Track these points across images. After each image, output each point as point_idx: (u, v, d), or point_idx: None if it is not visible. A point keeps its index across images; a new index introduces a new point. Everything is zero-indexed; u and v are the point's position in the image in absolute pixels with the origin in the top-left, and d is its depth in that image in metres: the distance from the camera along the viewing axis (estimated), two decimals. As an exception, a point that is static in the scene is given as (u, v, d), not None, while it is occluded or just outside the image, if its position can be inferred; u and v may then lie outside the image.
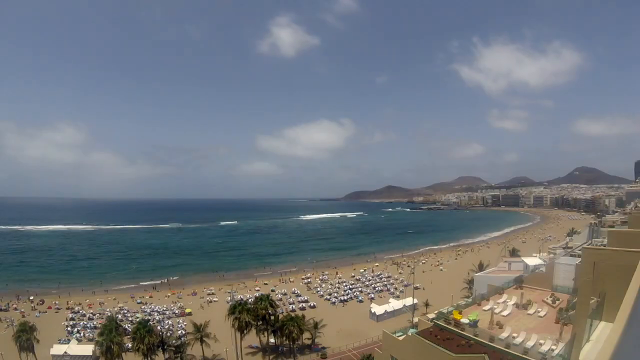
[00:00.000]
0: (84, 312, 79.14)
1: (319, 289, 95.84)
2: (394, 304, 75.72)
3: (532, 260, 55.12)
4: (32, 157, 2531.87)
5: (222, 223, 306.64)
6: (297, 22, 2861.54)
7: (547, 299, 32.11)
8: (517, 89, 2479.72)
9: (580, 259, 28.23)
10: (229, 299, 76.05)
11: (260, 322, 57.08)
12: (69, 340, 61.64)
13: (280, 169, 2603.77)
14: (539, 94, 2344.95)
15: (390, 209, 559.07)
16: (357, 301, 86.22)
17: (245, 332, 54.77)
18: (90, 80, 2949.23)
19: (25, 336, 51.45)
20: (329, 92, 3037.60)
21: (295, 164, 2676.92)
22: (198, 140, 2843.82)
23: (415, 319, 44.28)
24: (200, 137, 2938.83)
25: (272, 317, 58.11)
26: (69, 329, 69.11)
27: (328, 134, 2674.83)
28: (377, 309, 73.69)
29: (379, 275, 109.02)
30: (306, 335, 60.38)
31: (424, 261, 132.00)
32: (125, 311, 78.32)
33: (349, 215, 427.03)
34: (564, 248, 60.20)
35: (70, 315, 76.50)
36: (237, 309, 54.55)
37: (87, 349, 56.27)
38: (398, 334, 29.94)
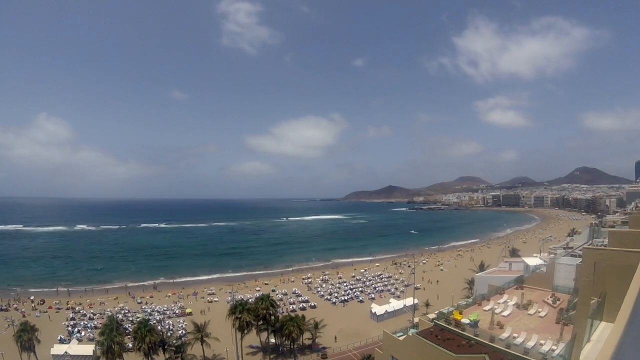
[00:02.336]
0: (85, 312, 79.23)
1: (319, 289, 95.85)
2: (395, 304, 75.68)
3: (533, 261, 55.07)
4: (23, 157, 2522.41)
5: (220, 223, 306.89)
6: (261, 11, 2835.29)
7: (548, 299, 32.11)
8: (515, 80, 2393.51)
9: (580, 259, 28.22)
10: (230, 299, 76.07)
11: (261, 322, 57.14)
12: (70, 340, 61.70)
13: (274, 168, 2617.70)
14: (541, 85, 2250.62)
15: (390, 209, 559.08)
16: (358, 301, 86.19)
17: (245, 332, 54.84)
18: (76, 79, 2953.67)
19: (27, 336, 51.50)
20: (312, 84, 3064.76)
21: (289, 163, 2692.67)
22: (188, 140, 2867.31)
23: (416, 319, 44.25)
24: (189, 137, 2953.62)
25: (273, 317, 58.12)
26: (69, 328, 69.13)
27: (319, 131, 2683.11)
28: (378, 309, 73.68)
29: (379, 276, 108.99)
30: (306, 335, 60.40)
31: (424, 261, 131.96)
32: (126, 311, 78.40)
33: (350, 215, 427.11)
34: (564, 248, 59.97)
35: (71, 315, 76.58)
36: (238, 309, 54.60)
37: (88, 349, 56.29)
38: (398, 334, 29.96)
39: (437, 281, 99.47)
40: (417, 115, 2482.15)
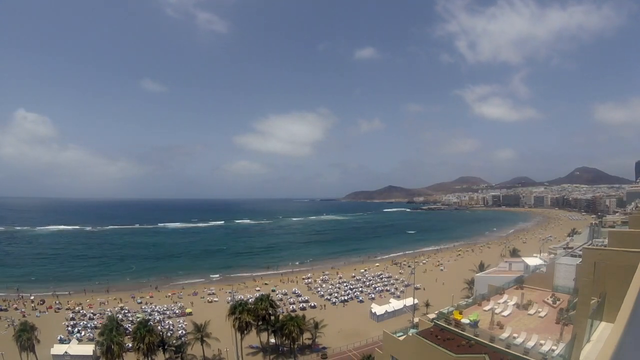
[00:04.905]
0: (85, 312, 79.24)
1: (319, 289, 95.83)
2: (395, 304, 75.70)
3: (533, 261, 55.09)
4: (12, 156, 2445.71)
5: (219, 223, 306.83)
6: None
7: (548, 299, 32.11)
8: (512, 67, 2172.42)
9: (580, 259, 28.20)
10: (230, 299, 76.05)
11: (261, 322, 57.16)
12: (70, 340, 61.70)
13: (267, 167, 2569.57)
14: (544, 72, 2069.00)
15: (390, 209, 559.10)
16: (358, 301, 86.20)
17: (245, 332, 54.84)
18: (53, 75, 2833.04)
19: (26, 335, 51.48)
20: (285, 76, 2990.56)
21: (281, 162, 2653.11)
22: (176, 139, 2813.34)
23: (416, 319, 44.27)
24: (177, 135, 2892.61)
25: (273, 317, 58.17)
26: (69, 328, 69.15)
27: (307, 126, 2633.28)
28: (378, 309, 73.70)
29: (379, 276, 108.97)
30: (306, 335, 60.42)
31: (424, 261, 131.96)
32: (126, 311, 78.42)
33: (350, 215, 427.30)
34: (564, 248, 60.03)
35: (71, 315, 76.58)
36: (238, 309, 54.60)
37: (88, 349, 56.29)
38: (398, 334, 29.96)
39: (444, 283, 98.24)
40: (408, 107, 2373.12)
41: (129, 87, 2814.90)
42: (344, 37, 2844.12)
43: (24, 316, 72.83)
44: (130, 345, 53.85)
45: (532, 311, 30.03)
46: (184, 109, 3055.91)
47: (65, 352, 55.43)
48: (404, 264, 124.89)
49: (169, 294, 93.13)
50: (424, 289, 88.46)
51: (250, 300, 68.56)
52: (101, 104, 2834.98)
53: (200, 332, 54.28)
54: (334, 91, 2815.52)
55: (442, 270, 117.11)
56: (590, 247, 33.68)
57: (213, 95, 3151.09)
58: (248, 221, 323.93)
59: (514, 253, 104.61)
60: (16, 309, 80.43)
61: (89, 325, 70.85)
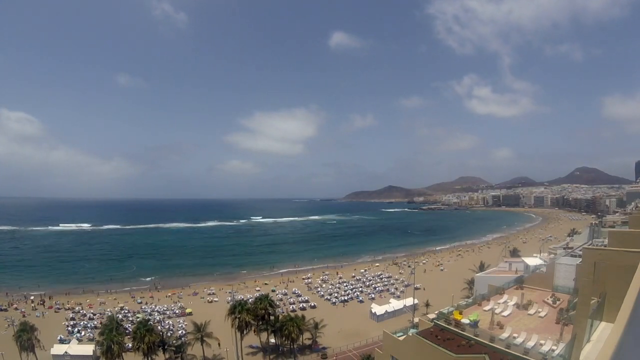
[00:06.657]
0: (85, 312, 79.23)
1: (319, 289, 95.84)
2: (395, 304, 75.70)
3: (533, 261, 55.04)
4: (4, 156, 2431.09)
5: (218, 223, 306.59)
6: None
7: (548, 299, 32.12)
8: (516, 55, 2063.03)
9: (580, 259, 28.18)
10: (229, 299, 76.00)
11: (261, 322, 57.16)
12: (70, 340, 61.70)
13: (261, 166, 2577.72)
14: (547, 62, 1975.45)
15: (390, 209, 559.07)
16: (358, 301, 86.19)
17: (245, 332, 54.85)
18: (35, 73, 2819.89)
19: (26, 336, 51.49)
20: (276, 73, 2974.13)
21: (274, 161, 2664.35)
22: (167, 138, 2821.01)
23: (416, 319, 44.28)
24: (171, 136, 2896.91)
25: (272, 317, 58.16)
26: (69, 328, 69.16)
27: (298, 122, 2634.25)
28: (378, 309, 73.70)
29: (379, 276, 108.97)
30: (306, 335, 60.40)
31: (424, 261, 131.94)
32: (126, 311, 78.39)
33: (350, 215, 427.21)
34: (564, 248, 59.92)
35: (71, 315, 76.59)
36: (237, 309, 54.62)
37: (88, 349, 56.27)
38: (398, 334, 29.95)
39: (432, 282, 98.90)
40: (402, 102, 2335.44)
41: (110, 85, 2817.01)
42: (321, 28, 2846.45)
43: (24, 316, 72.81)
44: (130, 345, 53.87)
45: (532, 311, 30.03)
46: (174, 108, 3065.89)
47: (65, 352, 55.41)
48: (404, 264, 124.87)
49: (169, 294, 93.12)
50: (424, 289, 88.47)
51: (250, 300, 68.57)
52: (90, 103, 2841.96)
53: (200, 332, 54.21)
54: (320, 85, 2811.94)
55: (442, 270, 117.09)
56: (590, 247, 33.67)
57: (198, 95, 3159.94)
58: (248, 221, 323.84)
59: (514, 253, 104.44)
60: (16, 309, 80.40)
61: (89, 325, 70.85)
